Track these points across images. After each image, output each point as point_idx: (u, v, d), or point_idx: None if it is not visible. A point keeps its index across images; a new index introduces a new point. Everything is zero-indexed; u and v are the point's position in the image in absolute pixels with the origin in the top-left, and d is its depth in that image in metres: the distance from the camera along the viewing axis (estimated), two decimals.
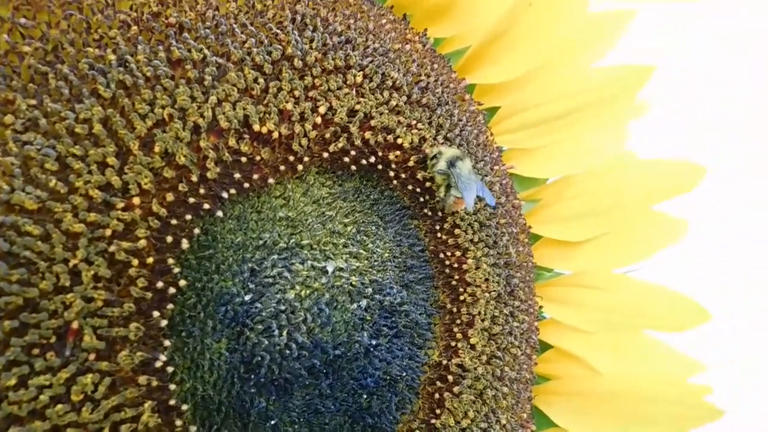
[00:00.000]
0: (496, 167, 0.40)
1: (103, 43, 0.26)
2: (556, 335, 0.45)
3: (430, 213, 0.35)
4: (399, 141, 0.33)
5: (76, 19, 0.26)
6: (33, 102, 0.24)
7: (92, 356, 0.23)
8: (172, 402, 0.25)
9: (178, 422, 0.25)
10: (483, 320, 0.36)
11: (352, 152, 0.31)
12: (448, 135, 0.36)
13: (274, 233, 0.29)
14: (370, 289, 0.30)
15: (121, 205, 0.25)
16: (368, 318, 0.30)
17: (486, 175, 0.39)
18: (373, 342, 0.30)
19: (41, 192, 0.24)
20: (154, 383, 0.24)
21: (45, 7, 0.26)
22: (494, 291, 0.37)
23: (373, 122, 0.32)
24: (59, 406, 0.23)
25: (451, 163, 0.33)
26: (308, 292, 0.29)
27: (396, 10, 0.40)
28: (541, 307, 0.45)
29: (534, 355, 0.43)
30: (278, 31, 0.30)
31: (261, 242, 0.28)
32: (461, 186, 0.33)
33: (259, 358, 0.27)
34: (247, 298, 0.27)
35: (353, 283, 0.30)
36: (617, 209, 0.45)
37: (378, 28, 0.36)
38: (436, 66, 0.39)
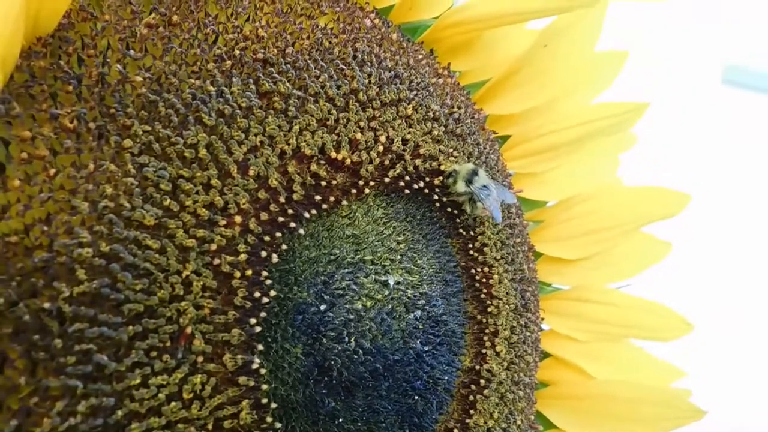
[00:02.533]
0: (510, 191, 0.45)
1: (202, 75, 0.29)
2: (555, 344, 0.50)
3: (463, 232, 0.39)
4: (441, 167, 0.37)
5: (176, 52, 0.28)
6: (147, 128, 0.26)
7: (201, 359, 0.26)
8: (264, 401, 0.28)
9: (269, 419, 0.28)
10: (505, 330, 0.40)
11: (407, 177, 0.35)
12: (476, 162, 0.40)
13: (342, 249, 0.32)
14: (422, 301, 0.34)
15: (223, 222, 0.27)
16: (420, 327, 0.34)
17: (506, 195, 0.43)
18: (425, 348, 0.34)
19: (157, 210, 0.26)
20: (251, 383, 0.27)
21: (149, 40, 0.28)
22: (513, 304, 0.42)
23: (421, 150, 0.36)
24: (173, 403, 0.25)
25: (469, 180, 0.37)
26: (372, 303, 0.32)
27: (425, 45, 0.44)
28: (542, 319, 0.49)
29: (537, 367, 0.47)
30: (344, 66, 0.33)
31: (332, 257, 0.31)
32: (485, 201, 0.36)
33: (331, 362, 0.30)
34: (322, 308, 0.30)
35: (409, 295, 0.33)
36: (609, 231, 0.50)
37: (416, 63, 0.40)
38: (461, 98, 0.43)
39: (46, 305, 0.24)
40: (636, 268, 0.51)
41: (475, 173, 0.37)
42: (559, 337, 0.50)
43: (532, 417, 0.45)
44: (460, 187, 0.36)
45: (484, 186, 0.37)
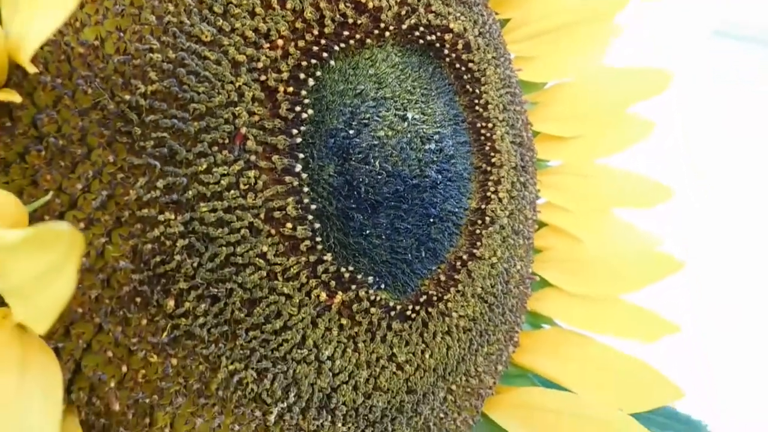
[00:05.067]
0: (510, 65, 0.49)
1: None
2: (549, 215, 0.55)
3: (470, 89, 0.43)
4: (451, 26, 0.41)
5: None
6: None
7: (253, 157, 0.31)
8: (305, 200, 0.32)
9: (310, 216, 0.32)
10: (507, 182, 0.45)
11: (421, 28, 0.39)
12: (482, 30, 0.44)
13: (366, 86, 0.36)
14: (436, 137, 0.39)
15: (267, 45, 0.32)
16: (435, 159, 0.39)
17: (506, 69, 0.47)
18: (439, 177, 0.39)
19: (212, 28, 0.30)
20: (295, 183, 0.32)
21: None
22: (513, 162, 0.46)
23: (433, 8, 0.40)
24: (232, 191, 0.30)
25: None
26: (393, 132, 0.37)
27: None
28: (538, 190, 0.54)
29: (534, 227, 0.52)
30: None
31: (357, 92, 0.36)
32: None
33: (358, 181, 0.35)
34: (350, 132, 0.35)
35: (425, 130, 0.38)
36: (597, 110, 0.55)
37: None
38: None
39: (127, 97, 0.28)
40: (622, 144, 0.56)
41: None
42: (553, 208, 0.55)
43: (530, 270, 0.51)
44: None
45: None
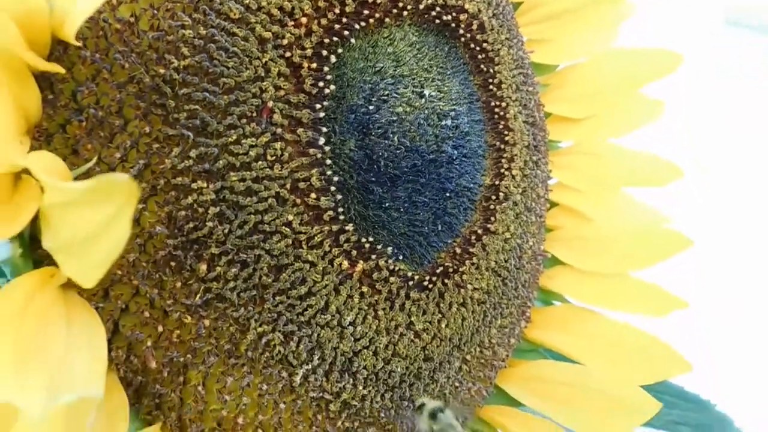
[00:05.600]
0: (523, 47, 0.50)
1: None
2: (560, 195, 0.56)
3: (484, 69, 0.44)
4: (466, 6, 0.42)
5: None
6: None
7: (279, 129, 0.32)
8: (329, 172, 0.34)
9: (333, 188, 0.34)
10: (520, 160, 0.46)
11: (437, 8, 0.40)
12: (495, 11, 0.46)
13: (384, 64, 0.38)
14: (452, 113, 0.40)
15: (292, 23, 0.33)
16: (451, 135, 0.40)
17: (519, 50, 0.49)
18: (455, 153, 0.40)
19: (240, 6, 0.32)
20: (319, 155, 0.33)
21: None
22: (526, 141, 0.48)
23: None
24: (260, 162, 0.31)
25: (433, 415, 0.37)
26: (411, 109, 0.38)
27: None
28: (550, 170, 0.55)
29: (546, 206, 0.53)
30: None
31: (377, 69, 0.37)
32: None
33: (378, 155, 0.37)
34: (370, 108, 0.36)
35: (441, 106, 0.39)
36: (608, 91, 0.56)
37: None
38: None
39: (161, 71, 0.29)
40: (632, 124, 0.57)
41: (440, 410, 0.38)
42: (564, 188, 0.56)
43: (542, 247, 0.52)
44: (424, 425, 0.37)
45: (449, 425, 0.37)
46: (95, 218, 0.20)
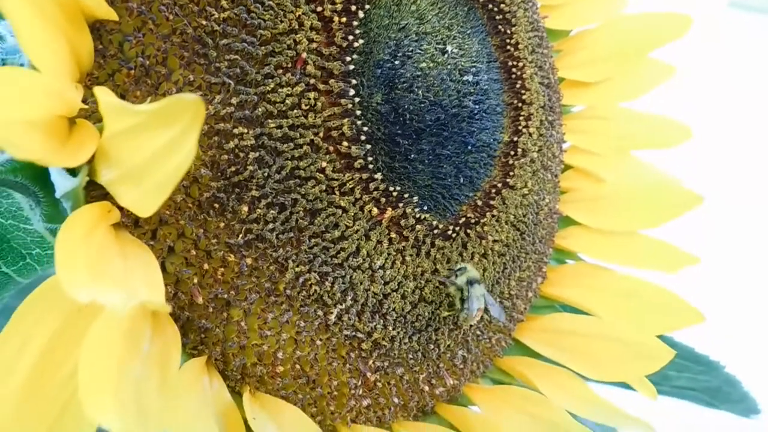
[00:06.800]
0: (537, 11, 0.52)
1: None
2: (574, 157, 0.58)
3: (501, 29, 0.46)
4: None
5: None
6: None
7: (313, 80, 0.34)
8: (359, 122, 0.35)
9: (363, 137, 0.35)
10: (536, 119, 0.48)
11: None
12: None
13: (408, 21, 0.39)
14: (473, 69, 0.42)
15: None
16: (472, 91, 0.42)
17: (534, 14, 0.50)
18: (476, 108, 0.42)
19: None
20: (350, 105, 0.35)
21: None
22: (542, 101, 0.49)
23: None
24: (295, 110, 0.33)
25: (470, 282, 0.40)
26: (434, 64, 0.40)
27: None
28: (564, 133, 0.57)
29: (561, 166, 0.55)
30: None
31: (401, 26, 0.39)
32: (470, 304, 0.39)
33: (403, 108, 0.38)
34: (396, 63, 0.38)
35: (463, 62, 0.41)
36: (620, 55, 0.58)
37: None
38: None
39: (203, 22, 0.31)
40: (644, 88, 0.58)
41: (477, 282, 0.40)
42: (577, 151, 0.58)
43: (557, 206, 0.54)
44: (462, 280, 0.39)
45: (477, 297, 0.40)
46: (160, 141, 0.21)
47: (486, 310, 0.41)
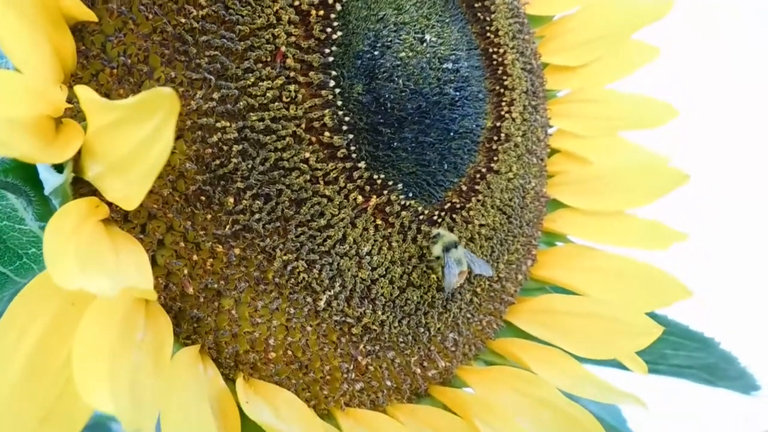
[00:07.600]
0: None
1: None
2: (561, 141, 0.59)
3: (481, 17, 0.46)
4: None
5: None
6: None
7: (293, 73, 0.35)
8: (340, 113, 0.36)
9: (344, 127, 0.36)
10: (519, 104, 0.49)
11: None
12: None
13: (386, 12, 0.40)
14: (453, 57, 0.42)
15: None
16: (452, 78, 0.42)
17: (514, 0, 0.51)
18: (457, 95, 0.42)
19: None
20: (330, 96, 0.36)
21: None
22: (524, 86, 0.50)
23: None
24: (276, 103, 0.34)
25: (446, 248, 0.40)
26: (413, 54, 0.40)
27: None
28: (549, 118, 0.58)
29: (546, 150, 0.56)
30: None
31: (379, 17, 0.39)
32: (447, 270, 0.40)
33: (384, 98, 0.39)
34: (375, 54, 0.39)
35: (442, 51, 0.42)
36: (603, 37, 0.58)
37: None
38: None
39: (183, 20, 0.32)
40: (629, 69, 0.59)
41: (454, 245, 0.40)
42: (564, 134, 0.59)
43: (544, 190, 0.54)
44: (436, 250, 0.40)
45: (457, 261, 0.40)
46: (141, 133, 0.22)
47: (470, 272, 0.42)
